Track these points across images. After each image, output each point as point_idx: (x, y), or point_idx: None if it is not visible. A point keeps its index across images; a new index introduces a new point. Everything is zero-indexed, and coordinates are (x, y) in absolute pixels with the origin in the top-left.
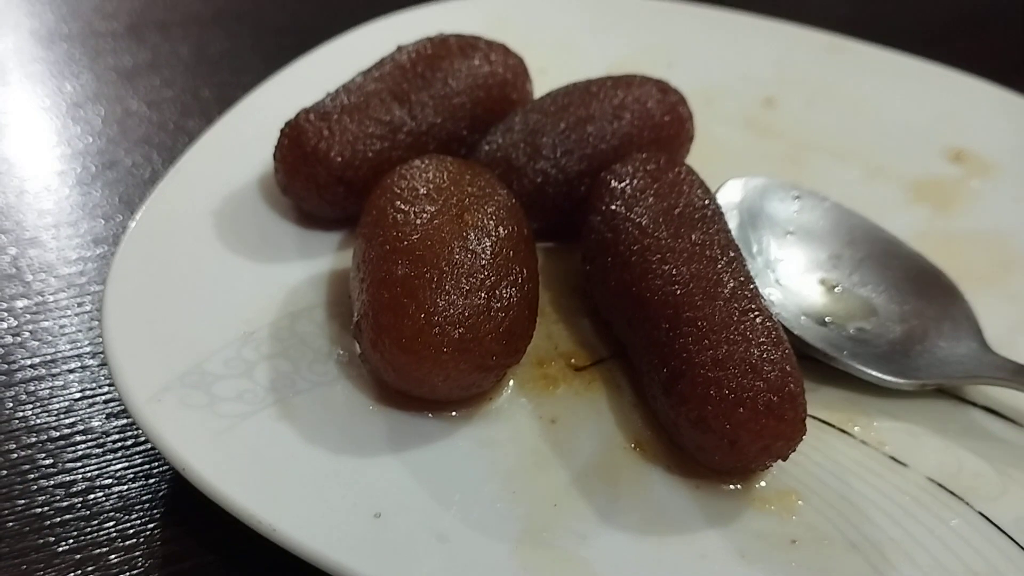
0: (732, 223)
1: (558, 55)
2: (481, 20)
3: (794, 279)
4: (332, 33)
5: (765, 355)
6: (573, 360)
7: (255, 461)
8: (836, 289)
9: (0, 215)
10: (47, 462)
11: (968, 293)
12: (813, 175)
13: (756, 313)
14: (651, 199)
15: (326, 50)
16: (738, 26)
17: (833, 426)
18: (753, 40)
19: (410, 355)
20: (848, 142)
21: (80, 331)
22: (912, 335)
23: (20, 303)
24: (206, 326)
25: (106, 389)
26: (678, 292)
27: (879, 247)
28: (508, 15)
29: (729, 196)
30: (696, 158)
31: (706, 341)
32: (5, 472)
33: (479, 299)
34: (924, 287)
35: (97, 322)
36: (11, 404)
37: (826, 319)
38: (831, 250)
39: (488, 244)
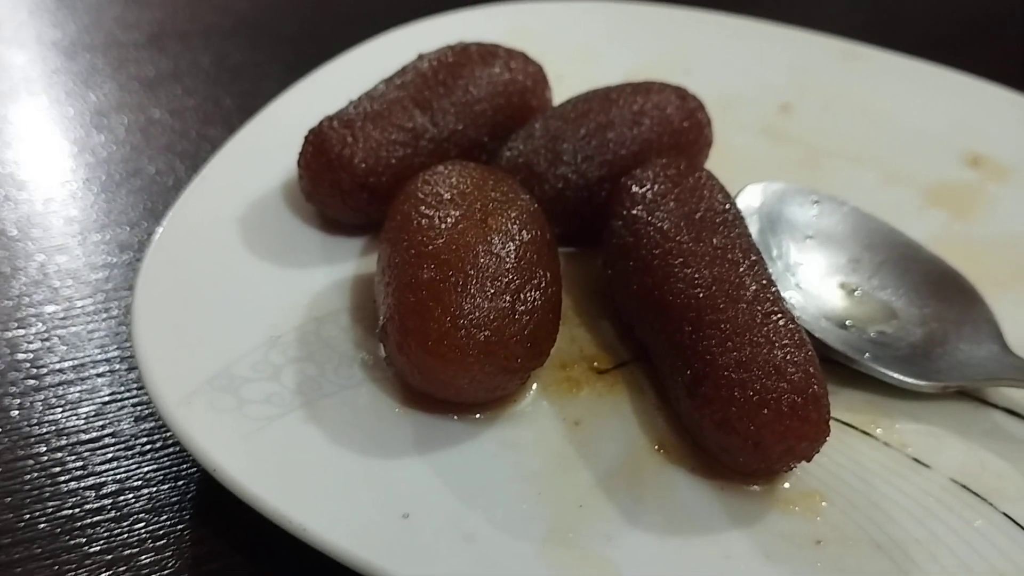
0: (752, 228)
1: (576, 63)
2: (499, 29)
3: (814, 283)
4: (350, 43)
5: (789, 357)
6: (596, 363)
7: (284, 462)
8: (856, 293)
9: (27, 222)
10: (77, 465)
11: (987, 297)
12: (830, 181)
13: (779, 315)
14: (672, 203)
15: (347, 59)
16: (754, 33)
17: (855, 428)
18: (769, 47)
19: (436, 358)
20: (864, 148)
21: (108, 336)
22: (932, 338)
23: (49, 309)
24: (233, 330)
25: (135, 393)
26: (701, 295)
27: (898, 251)
28: (526, 24)
29: (748, 201)
30: (714, 164)
31: (729, 343)
32: (36, 475)
33: (504, 302)
34: (944, 290)
35: (124, 327)
36: (40, 407)
37: (846, 322)
38: (850, 254)
39: (512, 248)
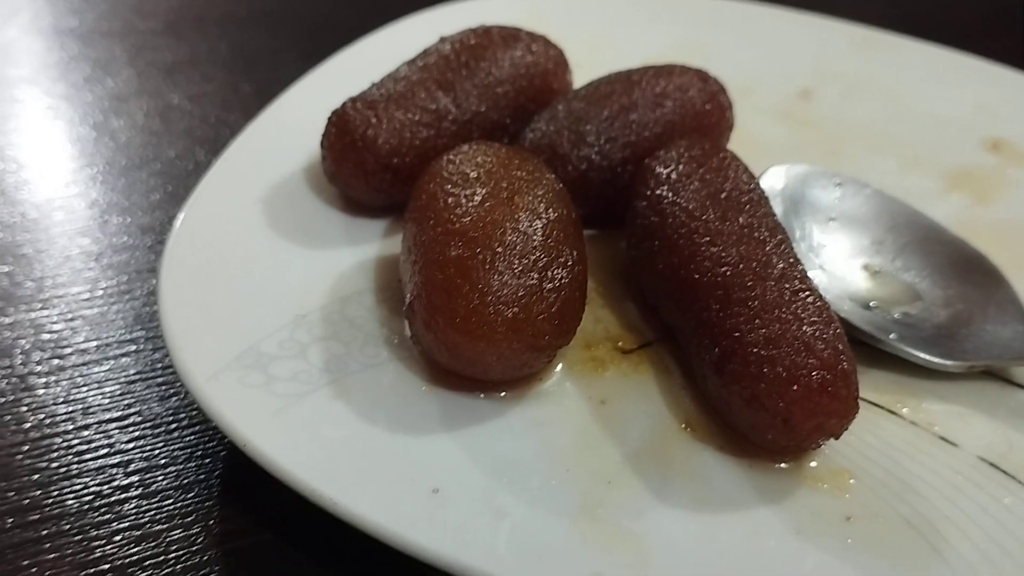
0: (776, 209)
1: (595, 49)
2: (518, 14)
3: (838, 264)
4: (367, 30)
5: (817, 333)
6: (620, 343)
7: (313, 438)
8: (880, 274)
9: (49, 205)
10: (104, 443)
11: (1009, 280)
12: (850, 166)
13: (807, 292)
14: (697, 183)
15: (367, 43)
16: (774, 20)
17: (882, 408)
18: (789, 33)
19: (464, 335)
20: (885, 134)
21: (132, 317)
22: (957, 319)
23: (73, 290)
24: (259, 310)
25: (160, 372)
26: (728, 273)
27: (921, 233)
28: (544, 9)
29: (771, 183)
30: (734, 148)
31: (757, 320)
32: (63, 453)
33: (531, 280)
34: (967, 272)
35: (148, 308)
36: (67, 386)
37: (871, 303)
38: (874, 236)
39: (539, 226)
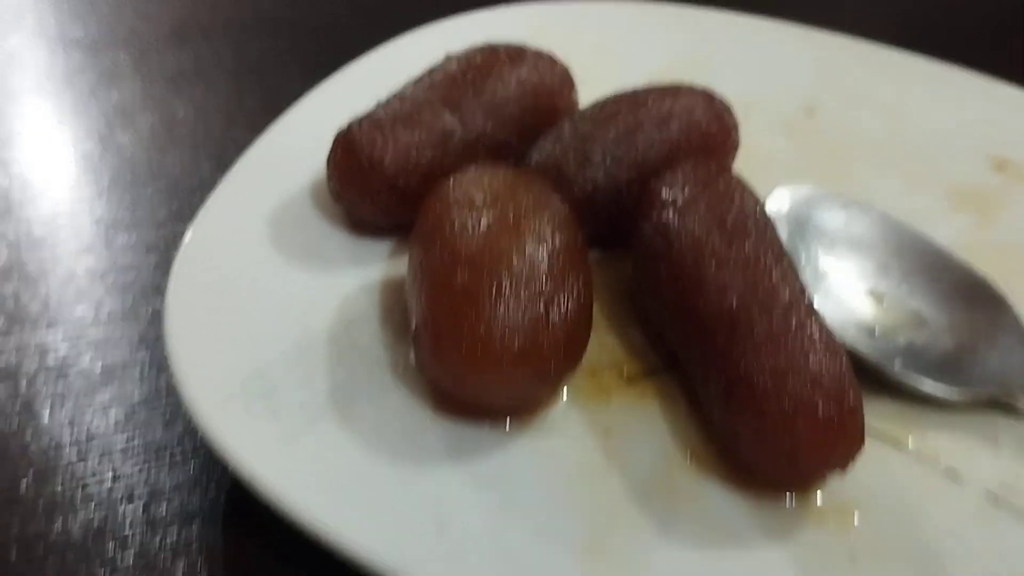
0: (781, 232)
1: (597, 64)
2: (521, 29)
3: (843, 289)
4: (371, 38)
5: (824, 366)
6: (625, 370)
7: (318, 471)
8: (885, 300)
9: (54, 223)
10: (109, 471)
11: (1015, 303)
12: (855, 184)
13: (813, 323)
14: (703, 208)
15: (370, 59)
16: (777, 34)
17: (888, 438)
18: (792, 48)
19: (470, 364)
20: (889, 151)
21: (136, 339)
22: (963, 346)
23: (78, 310)
24: (265, 334)
25: (163, 397)
26: (734, 302)
27: (926, 257)
28: (547, 25)
29: (777, 205)
30: (739, 166)
31: (764, 351)
32: (68, 481)
33: (539, 309)
34: (973, 298)
35: (152, 329)
36: (71, 413)
37: (875, 330)
38: (879, 260)
39: (545, 253)
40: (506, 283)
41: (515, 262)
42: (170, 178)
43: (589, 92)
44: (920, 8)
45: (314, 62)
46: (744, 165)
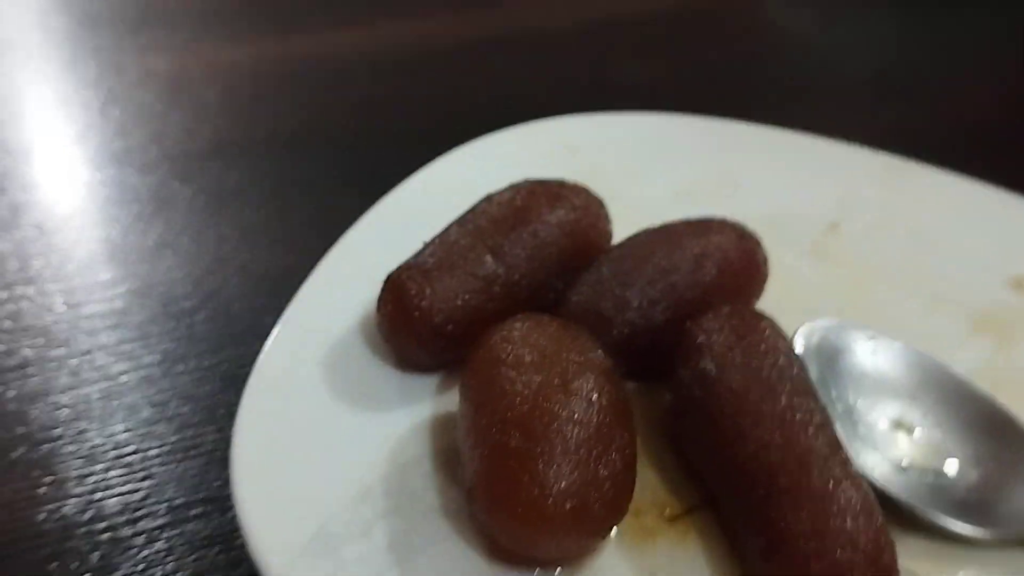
0: (811, 367)
1: (625, 180)
2: (550, 145)
3: (872, 423)
4: (405, 148)
5: (861, 526)
6: (667, 510)
7: None
8: (912, 433)
9: (116, 352)
10: None
11: None
12: (876, 305)
13: (849, 482)
14: (739, 358)
15: (409, 185)
16: (800, 147)
17: None
18: (815, 161)
19: (525, 525)
20: (910, 270)
21: (197, 475)
22: (989, 480)
23: (145, 444)
24: (325, 483)
25: (228, 536)
26: (772, 459)
27: (950, 388)
28: (575, 141)
29: (805, 340)
30: (766, 289)
31: (803, 512)
32: None
33: (588, 470)
34: (998, 431)
35: (210, 467)
36: (145, 551)
37: (903, 463)
38: (906, 392)
39: (593, 413)
40: (557, 446)
41: (565, 425)
42: (220, 303)
43: (619, 210)
44: (934, 117)
45: (353, 177)
46: (772, 285)
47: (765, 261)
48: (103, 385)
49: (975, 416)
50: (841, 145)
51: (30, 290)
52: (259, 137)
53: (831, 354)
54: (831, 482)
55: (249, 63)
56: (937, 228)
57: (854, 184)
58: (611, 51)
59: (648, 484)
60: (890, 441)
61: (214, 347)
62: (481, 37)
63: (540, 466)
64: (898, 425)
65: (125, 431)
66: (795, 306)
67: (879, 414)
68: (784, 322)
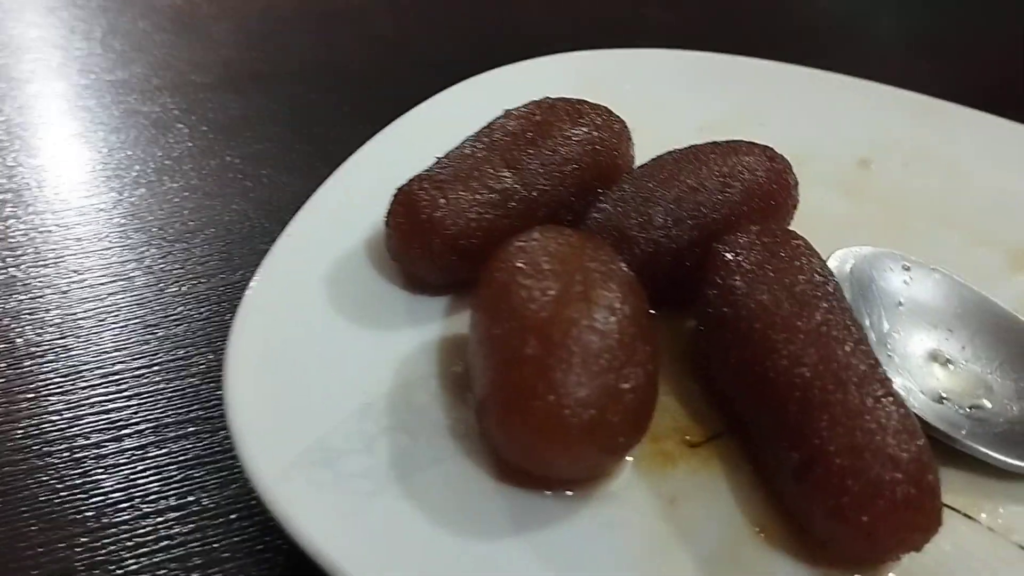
0: (845, 295)
1: (649, 114)
2: (572, 77)
3: (908, 353)
4: (425, 87)
5: (902, 444)
6: (688, 436)
7: (380, 542)
8: (950, 364)
9: (109, 272)
10: (164, 535)
11: None
12: (913, 241)
13: (889, 399)
14: (771, 274)
15: (425, 109)
16: (829, 86)
17: (959, 512)
18: (844, 100)
19: (540, 436)
20: (947, 207)
21: (190, 394)
22: None
23: (135, 364)
24: (325, 397)
25: (218, 456)
26: (807, 374)
27: (991, 320)
28: (598, 74)
29: (839, 266)
30: (795, 223)
31: (840, 428)
32: (122, 546)
33: (608, 381)
34: None
35: (205, 386)
36: (126, 472)
37: (942, 395)
38: (943, 323)
39: (614, 322)
40: (575, 355)
41: (584, 333)
42: (219, 225)
43: (642, 143)
44: (970, 69)
45: (365, 111)
46: (801, 220)
47: (796, 184)
48: (91, 305)
49: (1016, 349)
50: (871, 84)
51: (19, 211)
52: (268, 71)
53: (865, 281)
54: (870, 398)
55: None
56: (972, 166)
57: (885, 122)
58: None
59: (669, 410)
60: (927, 372)
61: (211, 270)
62: None
63: (558, 374)
64: (935, 356)
65: (114, 350)
66: (826, 239)
67: (916, 344)
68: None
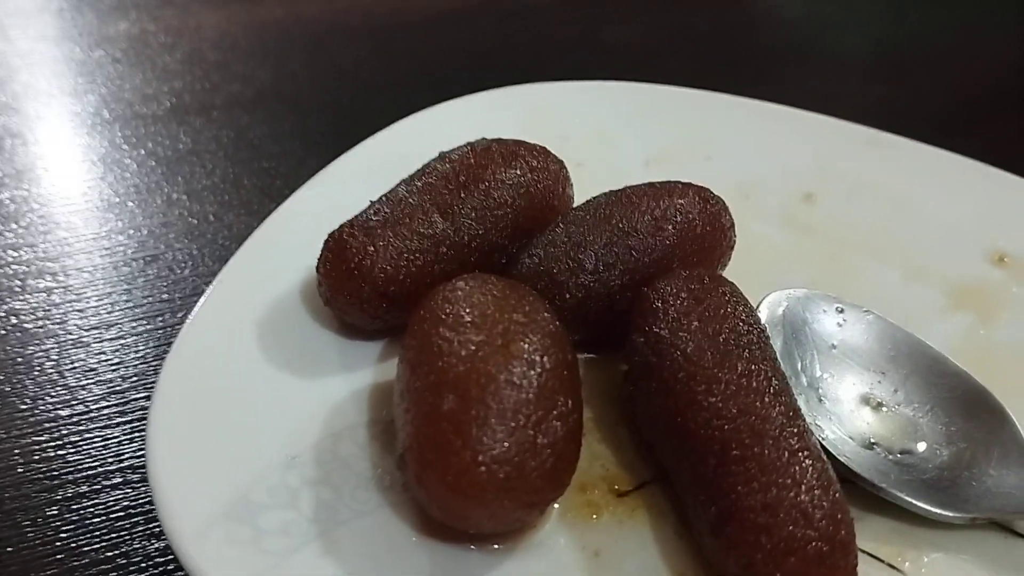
0: (776, 338)
1: (595, 147)
2: (518, 112)
3: (839, 398)
4: (373, 114)
5: (816, 500)
6: (617, 485)
7: None
8: (882, 407)
9: (44, 316)
10: None
11: (1013, 411)
12: (853, 277)
13: (806, 453)
14: (696, 323)
15: (366, 146)
16: (777, 118)
17: (882, 561)
18: (792, 133)
19: (455, 493)
20: (888, 241)
21: (122, 442)
22: (960, 460)
23: (64, 412)
24: (251, 450)
25: (147, 507)
26: (725, 428)
27: (923, 364)
28: (544, 106)
29: (771, 309)
30: (735, 257)
31: (755, 483)
32: None
33: (526, 436)
34: (970, 408)
35: (138, 433)
36: (56, 523)
37: (871, 441)
38: (876, 366)
39: (534, 376)
40: (492, 410)
41: (502, 388)
42: (161, 265)
43: (587, 178)
44: (910, 84)
45: (315, 142)
46: (742, 254)
47: (732, 226)
48: (29, 350)
49: (948, 392)
50: (818, 116)
51: None
52: (218, 102)
53: (798, 324)
54: (786, 452)
55: (216, 28)
56: (917, 201)
57: (831, 155)
58: (595, 17)
59: (599, 458)
60: (857, 417)
61: (152, 312)
62: (455, 7)
63: (473, 430)
64: (866, 400)
65: (47, 397)
66: (765, 276)
67: (847, 389)
68: (753, 292)
